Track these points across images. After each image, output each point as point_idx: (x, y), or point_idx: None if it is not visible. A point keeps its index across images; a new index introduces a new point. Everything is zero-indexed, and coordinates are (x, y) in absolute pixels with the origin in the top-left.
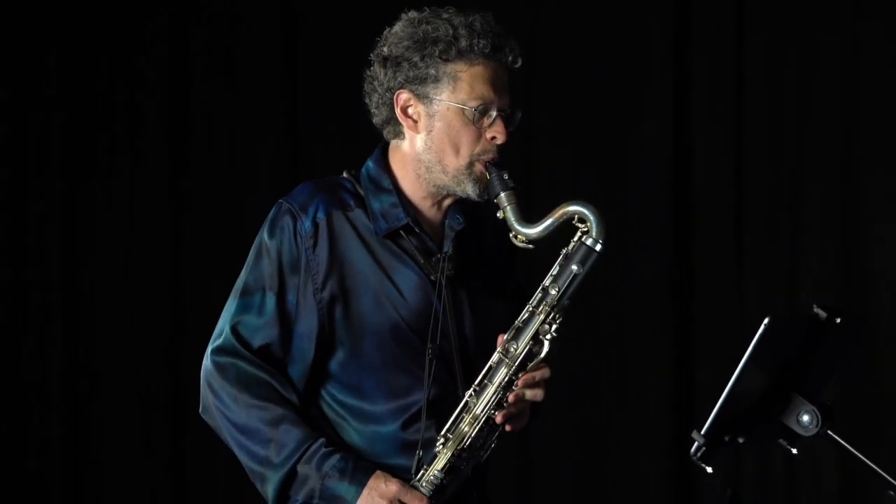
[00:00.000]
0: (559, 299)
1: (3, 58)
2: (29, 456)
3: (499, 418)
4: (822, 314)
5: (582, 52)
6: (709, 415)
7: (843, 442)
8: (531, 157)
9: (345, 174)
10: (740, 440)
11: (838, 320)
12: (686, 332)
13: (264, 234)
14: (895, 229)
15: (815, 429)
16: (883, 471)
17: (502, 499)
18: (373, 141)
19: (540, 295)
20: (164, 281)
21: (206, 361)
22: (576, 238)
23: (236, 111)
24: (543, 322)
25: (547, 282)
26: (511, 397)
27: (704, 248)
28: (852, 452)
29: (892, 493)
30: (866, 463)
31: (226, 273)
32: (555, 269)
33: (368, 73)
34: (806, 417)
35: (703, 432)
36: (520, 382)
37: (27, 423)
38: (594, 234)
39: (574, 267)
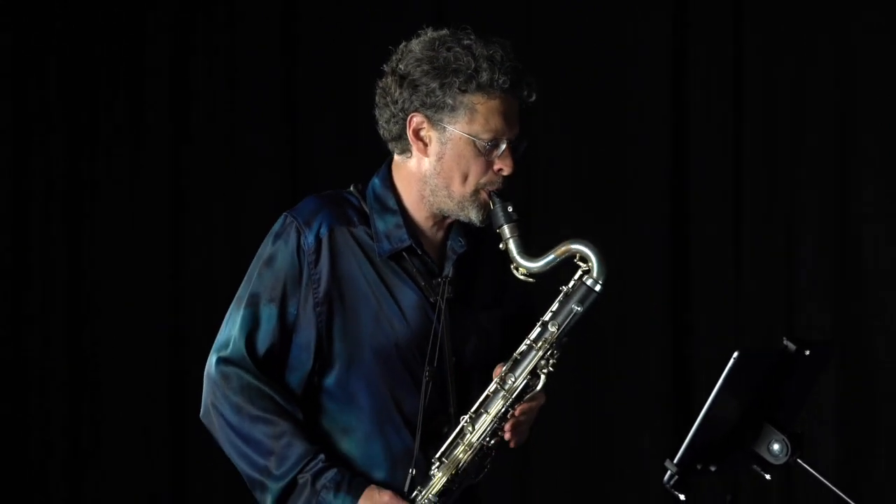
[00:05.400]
0: (558, 337)
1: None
2: (30, 458)
3: (509, 437)
4: (792, 347)
5: (580, 60)
6: (681, 444)
7: (812, 470)
8: (529, 163)
9: (351, 188)
10: (712, 468)
11: (807, 352)
12: (684, 342)
13: (269, 245)
14: (891, 236)
15: (785, 457)
16: (850, 498)
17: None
18: (369, 138)
19: (539, 330)
20: (165, 280)
21: (212, 370)
22: (576, 277)
23: (236, 103)
24: (542, 357)
25: (546, 317)
26: (507, 427)
27: (702, 258)
28: (821, 480)
29: None
30: (835, 491)
31: (225, 273)
32: (554, 306)
33: (380, 84)
34: (776, 446)
35: (675, 461)
36: (517, 412)
37: (29, 425)
38: (595, 274)
39: (574, 306)
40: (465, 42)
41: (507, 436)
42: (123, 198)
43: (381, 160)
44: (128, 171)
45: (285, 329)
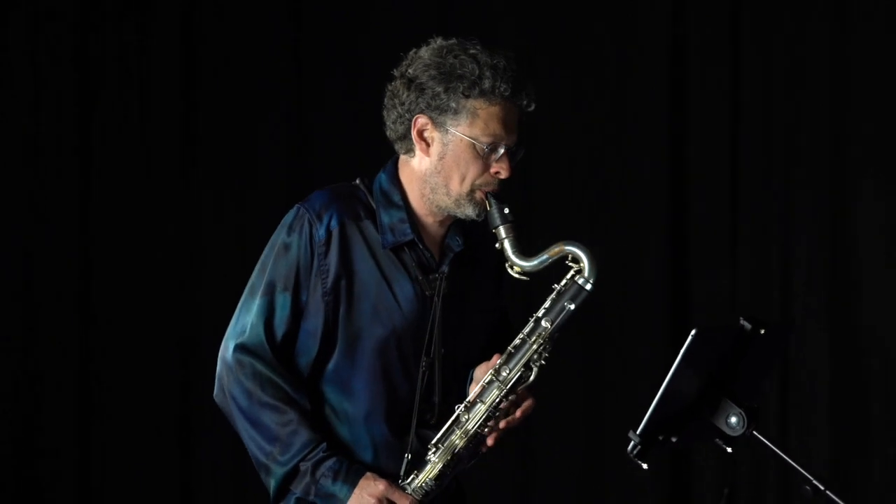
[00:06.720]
0: (551, 332)
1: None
2: (38, 462)
3: (490, 441)
4: (748, 326)
5: (579, 64)
6: (644, 416)
7: (767, 442)
8: (528, 165)
9: (357, 181)
10: (673, 439)
11: (762, 331)
12: (682, 333)
13: (283, 235)
14: (880, 241)
15: (742, 429)
16: (803, 469)
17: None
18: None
19: (532, 325)
20: (175, 281)
21: (228, 355)
22: (568, 276)
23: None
24: (535, 351)
25: (540, 314)
26: (502, 424)
27: (700, 254)
28: (775, 451)
29: (808, 487)
30: (787, 461)
31: (235, 268)
32: (547, 303)
33: (389, 87)
34: (734, 419)
35: (638, 432)
36: (503, 424)
37: (37, 428)
38: (586, 273)
39: (566, 303)
40: (471, 51)
41: (502, 425)
42: (132, 191)
43: (380, 150)
44: (135, 164)
45: (297, 316)
